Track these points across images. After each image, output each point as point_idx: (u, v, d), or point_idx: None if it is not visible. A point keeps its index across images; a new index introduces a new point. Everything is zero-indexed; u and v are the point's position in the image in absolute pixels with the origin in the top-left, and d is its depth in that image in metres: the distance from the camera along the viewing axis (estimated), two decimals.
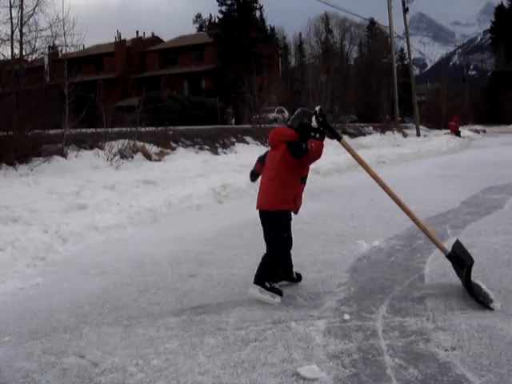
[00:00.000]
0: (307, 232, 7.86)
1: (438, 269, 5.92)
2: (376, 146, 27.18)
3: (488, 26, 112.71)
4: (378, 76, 58.72)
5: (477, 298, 4.82)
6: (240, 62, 49.56)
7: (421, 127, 41.31)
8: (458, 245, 5.44)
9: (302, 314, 4.70)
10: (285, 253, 5.40)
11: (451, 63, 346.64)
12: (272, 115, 34.63)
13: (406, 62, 70.46)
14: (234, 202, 11.33)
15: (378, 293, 5.19)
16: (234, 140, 22.85)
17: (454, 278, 5.46)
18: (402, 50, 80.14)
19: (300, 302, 5.04)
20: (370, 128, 35.69)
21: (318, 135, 5.06)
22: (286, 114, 36.72)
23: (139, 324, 4.66)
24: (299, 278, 5.67)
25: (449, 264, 5.91)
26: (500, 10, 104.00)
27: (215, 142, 21.41)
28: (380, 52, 67.86)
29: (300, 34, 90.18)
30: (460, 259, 5.14)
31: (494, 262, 6.09)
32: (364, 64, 71.82)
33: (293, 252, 5.50)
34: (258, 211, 5.31)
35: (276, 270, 5.33)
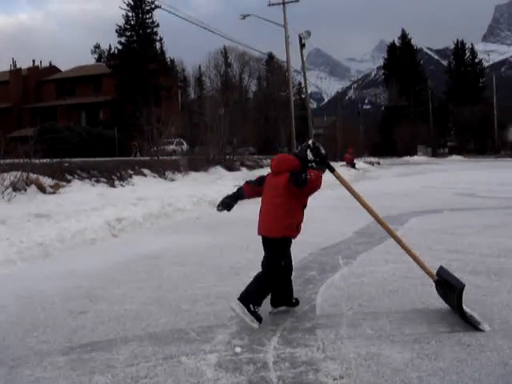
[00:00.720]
0: (203, 265, 7.84)
1: (329, 299, 6.04)
2: None
3: (381, 62, 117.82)
4: (276, 109, 59.88)
5: (468, 320, 4.98)
6: (138, 94, 49.30)
7: None
8: (442, 270, 5.61)
9: (194, 349, 4.67)
10: (286, 279, 5.48)
11: (347, 97, 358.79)
12: (171, 147, 34.56)
13: (303, 96, 72.16)
14: (128, 236, 11.16)
15: (271, 324, 5.22)
16: (132, 172, 22.62)
17: (344, 308, 5.62)
18: (299, 83, 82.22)
19: (192, 336, 5.00)
20: (268, 160, 36.14)
21: (314, 165, 5.18)
22: (185, 146, 36.76)
23: (26, 364, 4.48)
24: (297, 302, 5.73)
25: (339, 294, 6.08)
26: (392, 47, 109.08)
27: (112, 175, 21.11)
28: (278, 85, 69.28)
29: (199, 67, 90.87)
30: (449, 284, 5.28)
31: (383, 291, 6.29)
32: (263, 97, 73.07)
33: (187, 286, 5.50)
34: (260, 237, 5.44)
35: (265, 295, 5.29)
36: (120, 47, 57.35)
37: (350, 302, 5.88)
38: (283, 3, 43.85)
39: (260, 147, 53.99)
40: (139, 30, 56.02)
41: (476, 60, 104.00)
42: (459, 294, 5.06)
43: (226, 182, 23.49)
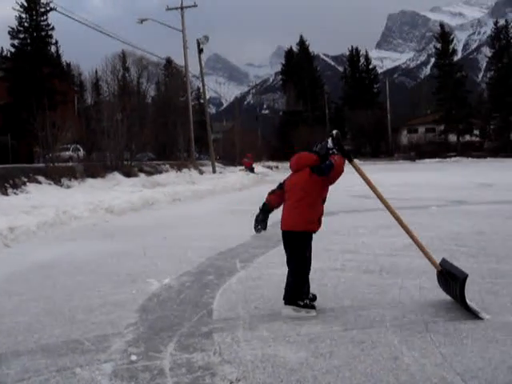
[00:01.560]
0: (99, 273, 7.70)
1: (226, 303, 6.06)
2: (172, 183, 27.45)
3: (279, 68, 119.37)
4: (175, 114, 59.42)
5: (469, 308, 5.26)
6: (32, 98, 47.77)
7: (217, 164, 42.46)
8: (445, 261, 5.89)
9: (89, 359, 4.56)
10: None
11: (246, 102, 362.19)
12: (67, 154, 33.69)
13: (202, 101, 72.13)
14: (22, 246, 10.78)
15: (167, 331, 5.19)
16: (26, 180, 21.87)
17: (241, 311, 5.65)
18: (198, 88, 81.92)
19: (87, 346, 4.89)
20: (167, 166, 35.94)
21: (335, 151, 5.44)
22: (82, 152, 35.92)
23: None
24: (315, 298, 5.80)
25: (236, 298, 6.12)
26: (290, 53, 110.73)
27: (5, 182, 20.33)
28: (177, 90, 68.83)
29: (96, 71, 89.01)
30: (452, 274, 5.55)
31: (279, 293, 6.35)
32: (161, 102, 72.43)
33: (82, 295, 5.38)
34: (281, 233, 5.73)
35: (304, 286, 5.56)
36: (13, 50, 55.36)
37: (246, 305, 5.93)
38: (181, 8, 43.71)
39: (159, 152, 53.50)
40: (33, 33, 54.16)
41: (370, 66, 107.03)
42: (462, 284, 5.33)
43: (123, 188, 23.16)
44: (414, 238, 5.82)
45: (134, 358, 4.54)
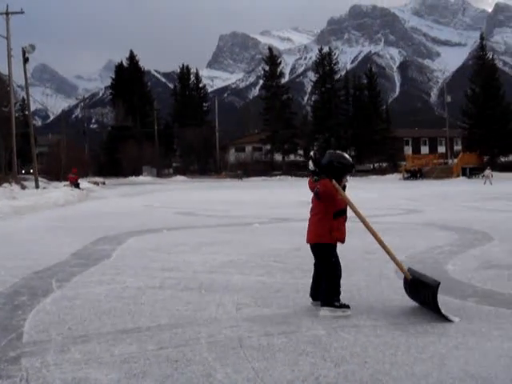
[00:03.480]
0: None
1: (38, 325, 5.77)
2: None
3: (109, 82, 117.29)
4: None
5: (442, 314, 5.64)
6: None
7: (40, 179, 40.80)
8: (413, 270, 6.32)
9: None
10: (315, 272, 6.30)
11: (74, 116, 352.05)
12: None
13: (26, 113, 69.11)
14: None
15: None
16: None
17: (53, 333, 5.41)
18: (23, 99, 78.52)
19: None
20: None
21: (315, 177, 5.98)
22: None
23: None
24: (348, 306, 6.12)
25: (49, 319, 5.86)
26: (120, 67, 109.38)
27: None
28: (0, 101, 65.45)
29: None
30: (423, 282, 5.96)
31: (95, 313, 6.19)
32: None
33: None
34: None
35: (337, 288, 6.04)
36: None
37: (60, 327, 5.68)
38: (6, 14, 41.72)
39: None
40: None
41: (200, 85, 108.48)
42: (435, 291, 5.71)
43: None
44: (385, 248, 6.26)
45: None
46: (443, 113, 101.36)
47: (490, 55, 78.91)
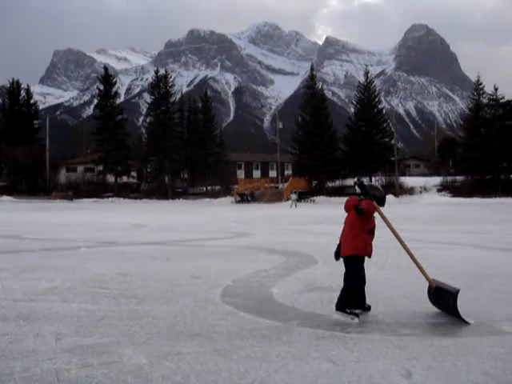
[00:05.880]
0: None
1: None
2: None
3: None
4: None
5: (461, 318, 6.72)
6: None
7: None
8: (436, 281, 7.37)
9: None
10: (359, 288, 7.13)
11: None
12: None
13: None
14: None
15: None
16: None
17: None
18: None
19: None
20: None
21: (361, 197, 7.11)
22: None
23: None
24: (369, 308, 7.35)
25: None
26: None
27: None
28: None
29: None
30: (444, 290, 7.12)
31: None
32: None
33: None
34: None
35: (352, 300, 7.04)
36: None
37: None
38: None
39: None
40: None
41: (31, 101, 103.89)
42: (455, 297, 6.80)
43: None
44: (413, 258, 7.28)
45: None
46: (275, 138, 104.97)
47: (319, 85, 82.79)
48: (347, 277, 7.09)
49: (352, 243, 7.03)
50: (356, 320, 6.82)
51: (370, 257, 7.19)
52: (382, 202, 7.25)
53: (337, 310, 7.02)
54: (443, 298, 7.14)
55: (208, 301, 7.98)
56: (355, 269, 7.05)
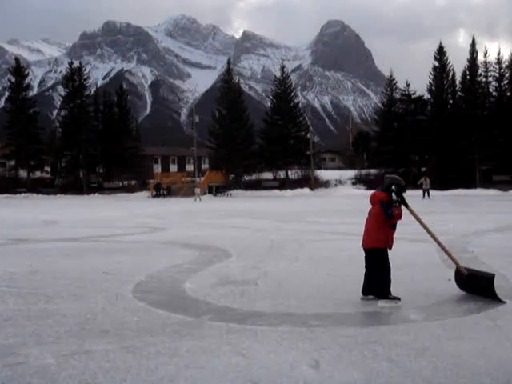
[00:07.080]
0: None
1: None
2: None
3: None
4: None
5: (497, 297, 7.34)
6: None
7: None
8: (468, 268, 8.02)
9: None
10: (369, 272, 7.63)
11: None
12: None
13: None
14: None
15: None
16: None
17: None
18: None
19: None
20: None
21: (397, 204, 7.49)
22: None
23: None
24: (399, 299, 7.50)
25: None
26: None
27: None
28: None
29: None
30: (478, 276, 7.77)
31: None
32: None
33: None
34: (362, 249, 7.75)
35: (389, 284, 7.42)
36: None
37: None
38: None
39: None
40: None
41: None
42: (492, 281, 7.45)
43: None
44: (445, 249, 7.91)
45: None
46: (192, 132, 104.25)
47: (236, 79, 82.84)
48: (378, 267, 7.52)
49: (375, 236, 7.52)
50: (399, 303, 7.31)
51: (390, 249, 7.60)
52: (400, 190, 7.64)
53: (380, 298, 7.39)
54: (477, 283, 7.71)
55: (119, 297, 7.89)
56: (384, 259, 7.51)
